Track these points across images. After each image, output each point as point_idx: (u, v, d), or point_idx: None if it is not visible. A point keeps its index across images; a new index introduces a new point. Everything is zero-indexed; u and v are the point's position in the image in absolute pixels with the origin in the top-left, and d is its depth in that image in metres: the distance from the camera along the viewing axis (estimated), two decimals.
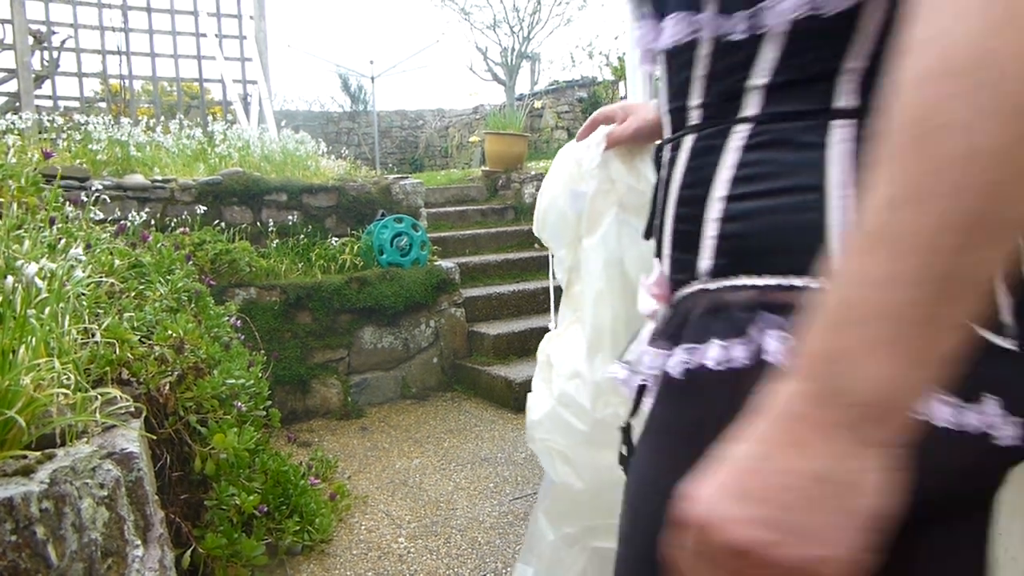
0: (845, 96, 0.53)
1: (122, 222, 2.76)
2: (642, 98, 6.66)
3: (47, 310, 1.39)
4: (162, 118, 5.71)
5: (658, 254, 0.70)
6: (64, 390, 1.22)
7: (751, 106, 0.57)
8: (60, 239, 2.01)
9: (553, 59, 21.44)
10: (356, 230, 4.27)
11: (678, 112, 0.65)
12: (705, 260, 0.59)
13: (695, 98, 0.62)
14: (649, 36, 0.66)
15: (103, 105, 6.27)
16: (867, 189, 0.39)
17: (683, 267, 0.62)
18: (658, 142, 0.75)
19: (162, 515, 1.42)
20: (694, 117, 0.63)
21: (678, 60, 0.63)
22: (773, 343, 0.51)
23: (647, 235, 0.78)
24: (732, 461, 0.41)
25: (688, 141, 0.63)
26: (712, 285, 0.58)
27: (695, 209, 0.60)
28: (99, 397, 1.25)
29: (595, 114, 1.09)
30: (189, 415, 1.88)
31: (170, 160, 4.52)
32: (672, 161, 0.65)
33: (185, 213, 3.85)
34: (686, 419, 0.59)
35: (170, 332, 1.87)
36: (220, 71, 6.34)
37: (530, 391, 1.25)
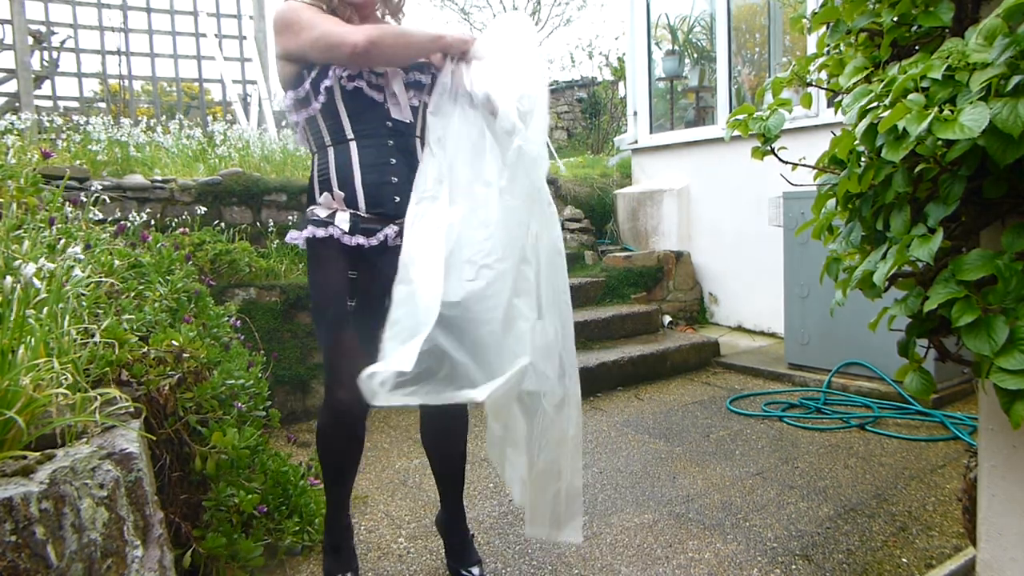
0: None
1: (122, 222, 2.76)
2: (643, 98, 6.65)
3: (46, 310, 1.39)
4: (162, 118, 5.71)
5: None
6: (63, 390, 1.22)
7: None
8: (59, 239, 2.01)
9: (553, 59, 21.37)
10: None
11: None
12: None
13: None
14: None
15: (103, 105, 6.27)
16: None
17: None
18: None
19: (161, 515, 1.42)
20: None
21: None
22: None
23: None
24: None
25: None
26: None
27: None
28: (98, 398, 1.25)
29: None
30: (189, 416, 1.88)
31: (170, 160, 4.51)
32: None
33: (185, 213, 3.84)
34: None
35: (173, 341, 1.87)
36: (220, 71, 6.33)
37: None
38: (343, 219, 1.76)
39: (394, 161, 1.79)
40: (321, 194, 1.80)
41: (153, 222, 3.61)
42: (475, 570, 1.98)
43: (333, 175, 1.78)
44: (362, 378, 1.40)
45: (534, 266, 1.64)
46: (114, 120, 4.98)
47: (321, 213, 1.79)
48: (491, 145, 1.68)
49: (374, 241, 1.78)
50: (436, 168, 1.69)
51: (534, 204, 1.68)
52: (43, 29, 6.00)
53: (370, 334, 1.83)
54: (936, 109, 1.05)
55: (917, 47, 1.36)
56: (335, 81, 1.74)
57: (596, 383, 3.88)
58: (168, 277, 2.39)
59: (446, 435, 1.97)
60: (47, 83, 6.11)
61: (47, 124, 4.66)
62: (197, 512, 1.92)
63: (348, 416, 1.85)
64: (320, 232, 1.77)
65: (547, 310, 1.64)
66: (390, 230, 1.78)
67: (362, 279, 1.81)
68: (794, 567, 2.03)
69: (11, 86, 5.94)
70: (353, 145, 1.77)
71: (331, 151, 1.79)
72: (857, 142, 1.22)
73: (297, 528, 2.12)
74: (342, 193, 1.77)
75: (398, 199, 1.79)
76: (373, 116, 1.78)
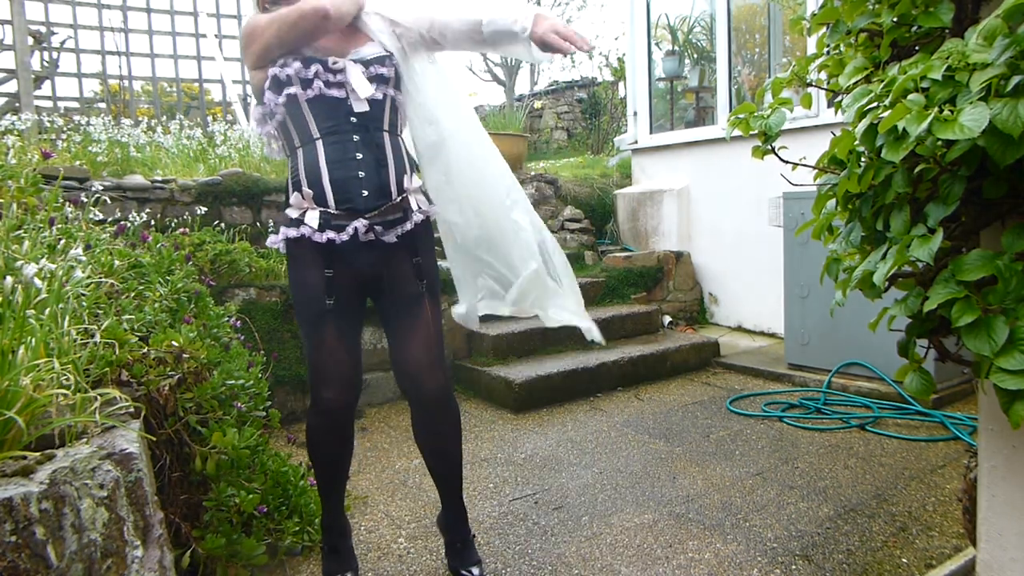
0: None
1: (122, 223, 2.76)
2: (643, 99, 6.67)
3: (47, 311, 1.39)
4: (162, 118, 5.71)
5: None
6: (63, 391, 1.22)
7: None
8: (60, 240, 2.01)
9: (553, 59, 21.30)
10: None
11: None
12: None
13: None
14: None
15: (103, 106, 6.27)
16: None
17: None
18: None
19: (161, 516, 1.42)
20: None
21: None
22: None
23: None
24: None
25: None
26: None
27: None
28: (98, 398, 1.25)
29: None
30: (189, 416, 1.88)
31: (170, 161, 4.51)
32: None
33: (185, 214, 3.84)
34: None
35: (173, 341, 1.87)
36: (220, 71, 6.33)
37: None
38: (313, 217, 1.77)
39: (360, 156, 1.79)
40: (292, 194, 1.81)
41: (153, 222, 3.61)
42: (475, 570, 1.98)
43: (302, 174, 1.79)
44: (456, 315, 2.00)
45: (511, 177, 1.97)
46: (114, 120, 4.98)
47: (293, 214, 1.80)
48: (423, 71, 1.92)
49: (344, 236, 1.77)
50: (415, 109, 1.91)
51: (463, 108, 1.95)
52: (43, 29, 6.00)
53: (350, 331, 1.88)
54: (936, 109, 1.05)
55: (917, 47, 1.36)
56: (296, 91, 1.76)
57: (596, 383, 3.88)
58: (168, 277, 2.39)
59: (438, 435, 1.97)
60: (47, 83, 6.11)
61: (47, 124, 4.66)
62: (197, 512, 1.92)
63: (335, 415, 1.87)
64: (292, 232, 1.78)
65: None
66: (359, 224, 1.77)
67: (338, 277, 1.81)
68: (794, 567, 2.03)
69: (11, 86, 5.94)
70: (320, 144, 1.78)
71: (300, 152, 1.81)
72: (857, 142, 1.22)
73: (297, 528, 2.12)
74: (311, 192, 1.78)
75: (366, 193, 1.79)
76: (337, 113, 1.78)
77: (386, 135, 1.84)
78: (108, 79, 6.16)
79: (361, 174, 1.79)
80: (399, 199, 1.84)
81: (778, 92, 1.54)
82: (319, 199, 1.78)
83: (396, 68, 1.86)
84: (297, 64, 1.75)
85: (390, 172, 1.82)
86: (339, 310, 1.82)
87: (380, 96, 1.83)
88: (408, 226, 1.85)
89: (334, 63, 1.78)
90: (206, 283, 2.80)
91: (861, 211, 1.35)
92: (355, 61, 1.81)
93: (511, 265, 1.91)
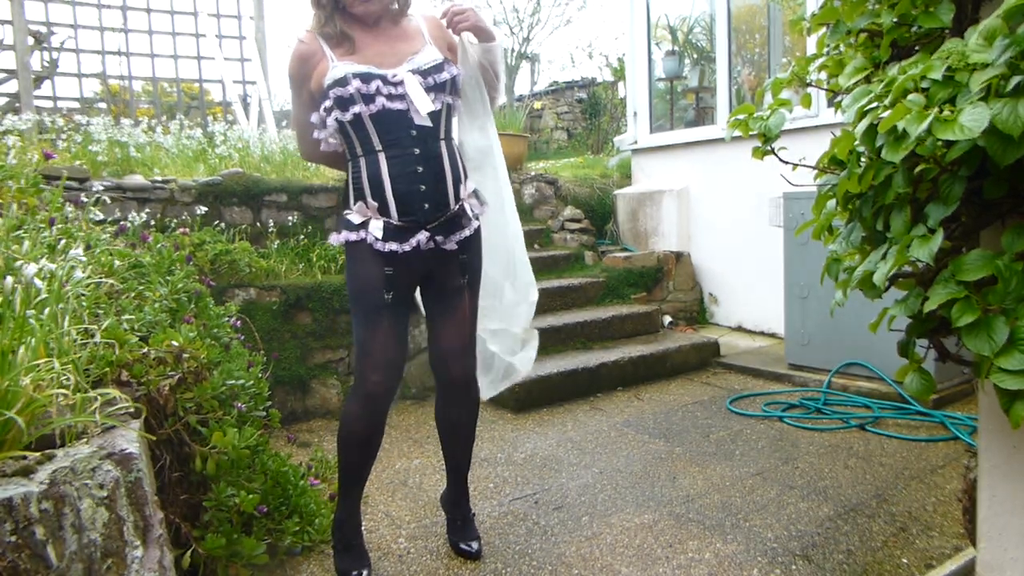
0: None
1: (122, 223, 2.76)
2: (643, 99, 6.66)
3: (47, 311, 1.38)
4: (162, 118, 5.71)
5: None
6: (64, 391, 1.22)
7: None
8: (60, 240, 2.01)
9: (553, 59, 21.26)
10: None
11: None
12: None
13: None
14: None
15: (103, 106, 6.27)
16: None
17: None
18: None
19: (161, 516, 1.42)
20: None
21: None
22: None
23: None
24: None
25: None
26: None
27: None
28: (99, 398, 1.25)
29: None
30: (189, 416, 1.88)
31: (170, 161, 4.51)
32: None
33: (185, 214, 3.84)
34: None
35: (173, 341, 1.87)
36: (220, 71, 6.34)
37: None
38: (376, 227, 1.86)
39: (421, 169, 1.87)
40: (355, 202, 1.90)
41: (153, 222, 3.60)
42: (474, 544, 2.13)
43: (366, 185, 1.87)
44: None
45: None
46: (114, 120, 4.98)
47: (356, 219, 1.89)
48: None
49: (407, 247, 1.86)
50: (469, 113, 2.08)
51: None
52: (43, 29, 6.00)
53: (402, 322, 1.99)
54: (936, 109, 1.05)
55: (917, 47, 1.36)
56: (360, 109, 1.83)
57: (596, 383, 3.87)
58: (168, 277, 2.38)
59: (456, 415, 2.13)
60: (47, 83, 6.11)
61: (48, 124, 4.66)
62: (197, 512, 1.91)
63: (376, 400, 1.93)
64: (354, 236, 1.88)
65: None
66: (422, 236, 1.87)
67: (397, 274, 1.90)
68: (794, 567, 2.03)
69: (11, 86, 5.94)
70: (382, 156, 1.86)
71: (363, 161, 1.88)
72: (857, 142, 1.22)
73: (297, 528, 2.12)
74: (375, 204, 1.87)
75: (427, 206, 1.87)
76: (398, 126, 1.86)
77: (443, 144, 1.93)
78: (108, 79, 6.16)
79: (422, 187, 1.87)
80: (457, 207, 1.94)
81: (778, 92, 1.54)
82: (382, 211, 1.87)
83: (452, 74, 1.92)
84: (357, 82, 1.81)
85: (448, 183, 1.92)
86: (394, 303, 1.92)
87: (438, 105, 1.89)
88: (466, 232, 1.96)
89: (393, 76, 1.85)
90: (206, 283, 2.80)
91: (861, 211, 1.35)
92: (412, 71, 1.87)
93: (510, 298, 2.21)
